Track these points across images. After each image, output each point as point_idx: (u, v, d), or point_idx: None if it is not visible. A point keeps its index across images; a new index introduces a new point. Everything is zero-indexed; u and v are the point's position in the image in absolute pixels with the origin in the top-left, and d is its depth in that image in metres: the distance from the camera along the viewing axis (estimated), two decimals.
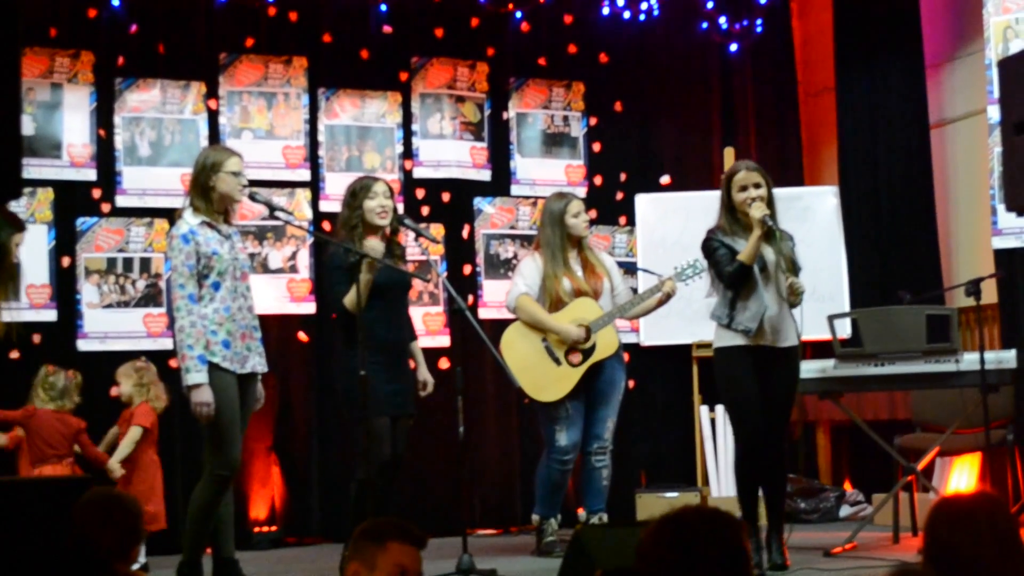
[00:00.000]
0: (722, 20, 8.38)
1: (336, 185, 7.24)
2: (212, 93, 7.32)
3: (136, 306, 7.02)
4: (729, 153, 7.89)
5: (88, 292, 6.96)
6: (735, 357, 5.42)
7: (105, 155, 7.09)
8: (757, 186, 5.43)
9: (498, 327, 6.56)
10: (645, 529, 2.33)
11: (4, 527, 3.65)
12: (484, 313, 7.55)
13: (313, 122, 7.52)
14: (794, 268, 5.45)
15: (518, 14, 7.96)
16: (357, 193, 5.59)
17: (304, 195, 7.43)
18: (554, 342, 6.18)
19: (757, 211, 5.35)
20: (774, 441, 5.47)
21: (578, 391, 6.17)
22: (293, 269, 7.36)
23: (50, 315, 6.87)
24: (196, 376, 4.94)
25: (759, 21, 8.45)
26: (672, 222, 7.73)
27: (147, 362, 6.34)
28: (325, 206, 7.41)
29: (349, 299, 5.36)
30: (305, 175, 7.46)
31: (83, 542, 3.48)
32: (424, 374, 5.79)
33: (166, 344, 6.80)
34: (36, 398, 6.03)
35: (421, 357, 5.84)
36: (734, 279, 5.38)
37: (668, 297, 6.11)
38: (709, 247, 5.49)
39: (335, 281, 5.50)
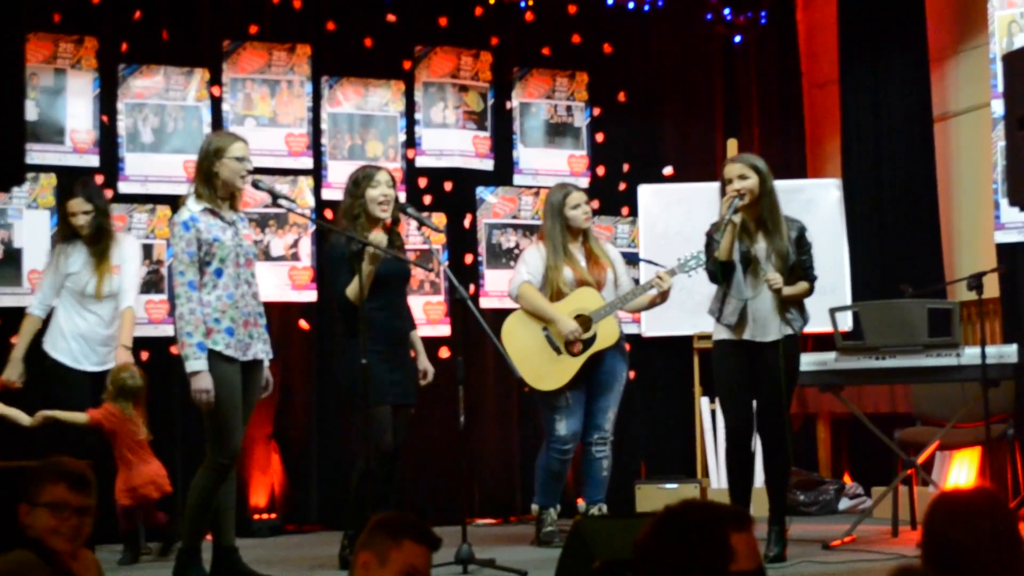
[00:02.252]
0: (726, 11, 8.36)
1: (339, 173, 7.23)
2: (215, 80, 7.31)
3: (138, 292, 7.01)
4: (732, 144, 7.87)
5: None
6: (722, 350, 5.54)
7: (108, 141, 7.08)
8: (742, 177, 5.37)
9: (499, 316, 6.56)
10: (646, 522, 2.32)
11: None
12: (485, 303, 7.54)
13: (316, 110, 7.52)
14: (785, 260, 5.39)
15: (522, 3, 7.94)
16: (359, 182, 5.58)
17: (306, 183, 7.42)
18: (555, 331, 6.17)
19: (724, 206, 5.36)
20: (770, 434, 5.49)
21: (578, 381, 6.16)
22: (295, 257, 7.35)
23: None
24: (195, 363, 4.93)
25: (763, 12, 8.43)
26: (674, 213, 7.72)
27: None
28: (327, 194, 7.41)
29: (351, 290, 5.35)
30: (308, 163, 7.46)
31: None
32: (424, 363, 5.80)
33: (167, 331, 6.79)
34: None
35: (421, 346, 5.85)
36: (711, 276, 5.50)
37: (663, 298, 6.10)
38: (706, 243, 5.58)
39: (337, 271, 5.49)
